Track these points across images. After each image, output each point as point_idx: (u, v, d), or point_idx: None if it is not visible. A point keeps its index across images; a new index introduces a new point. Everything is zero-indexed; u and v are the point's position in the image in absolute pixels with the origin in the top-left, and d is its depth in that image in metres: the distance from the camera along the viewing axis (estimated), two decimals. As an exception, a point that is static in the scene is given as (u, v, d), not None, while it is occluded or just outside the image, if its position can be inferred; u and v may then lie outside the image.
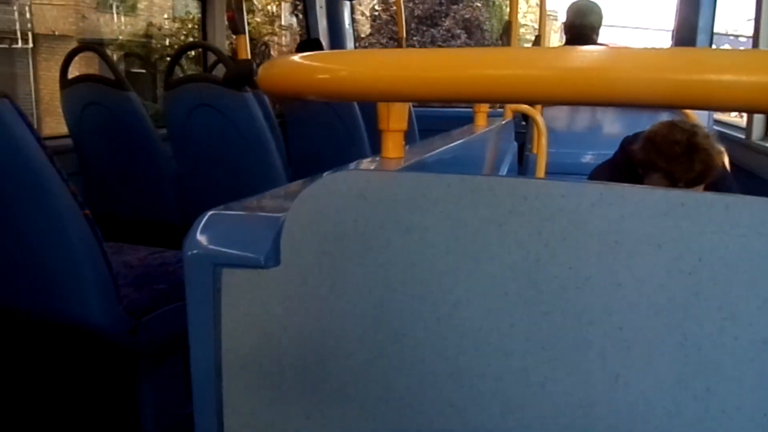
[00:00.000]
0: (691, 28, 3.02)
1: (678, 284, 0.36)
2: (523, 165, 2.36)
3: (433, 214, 0.41)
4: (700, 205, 0.36)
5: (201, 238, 0.51)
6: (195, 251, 0.50)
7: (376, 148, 2.72)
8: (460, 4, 13.19)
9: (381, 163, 0.86)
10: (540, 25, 2.19)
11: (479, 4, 13.55)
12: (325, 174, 0.44)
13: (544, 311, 0.39)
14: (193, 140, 1.86)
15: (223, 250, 0.49)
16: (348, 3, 3.92)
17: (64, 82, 1.94)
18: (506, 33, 2.00)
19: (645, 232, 0.37)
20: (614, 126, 2.73)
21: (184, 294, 1.51)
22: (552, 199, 0.38)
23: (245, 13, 1.72)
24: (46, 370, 1.61)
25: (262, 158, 1.82)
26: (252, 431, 0.48)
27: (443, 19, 12.97)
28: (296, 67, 0.45)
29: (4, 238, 1.21)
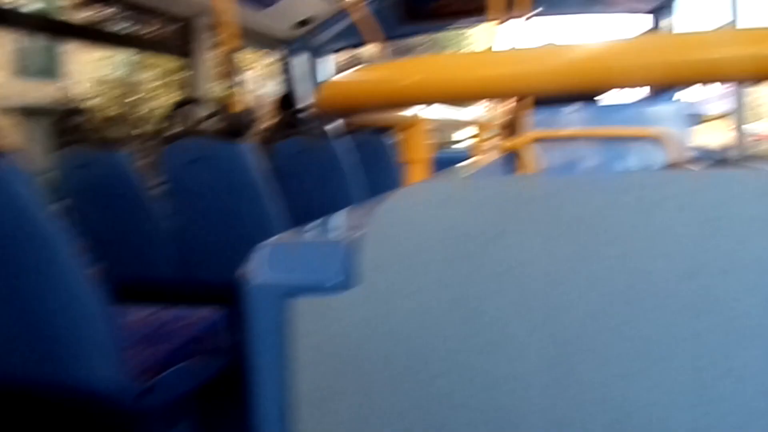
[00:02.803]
0: None
1: None
2: None
3: (526, 216, 0.39)
4: None
5: (262, 269, 0.48)
6: (256, 283, 0.48)
7: (374, 188, 2.70)
8: (410, 54, 13.53)
9: None
10: None
11: (431, 53, 13.96)
12: (404, 187, 0.42)
13: (652, 307, 0.38)
14: (190, 194, 1.84)
15: (291, 277, 0.46)
16: (328, 57, 4.01)
17: (60, 144, 1.92)
18: None
19: (749, 214, 0.36)
20: (594, 158, 2.83)
21: (191, 351, 1.45)
22: (650, 190, 0.37)
23: (237, 68, 1.74)
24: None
25: (259, 209, 1.80)
26: None
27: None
28: (369, 79, 0.44)
29: (2, 300, 1.15)
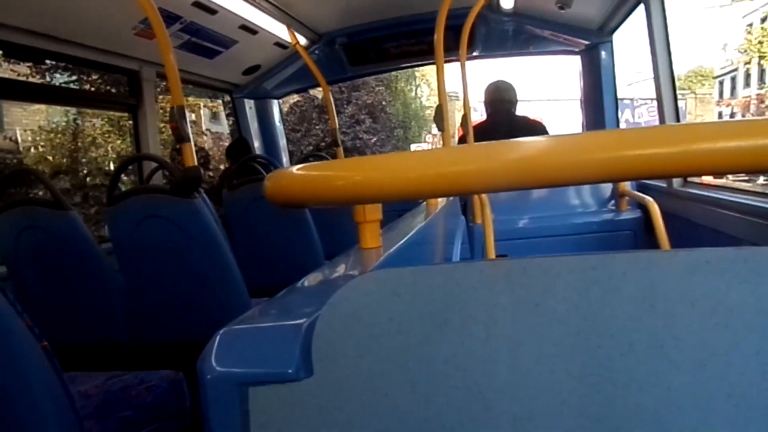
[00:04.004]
0: (596, 97, 3.35)
1: (716, 337, 0.38)
2: (470, 235, 2.44)
3: (469, 302, 0.42)
4: (723, 261, 0.39)
5: (219, 358, 0.49)
6: (215, 373, 0.48)
7: (326, 236, 2.70)
8: (362, 91, 13.73)
9: (362, 254, 0.86)
10: (464, 104, 2.41)
11: (381, 89, 14.21)
12: (354, 277, 0.44)
13: (592, 383, 0.40)
14: (141, 253, 1.80)
15: (248, 367, 0.47)
16: (276, 101, 4.05)
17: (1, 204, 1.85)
18: (438, 116, 2.13)
19: (677, 292, 0.39)
20: (542, 190, 2.93)
21: (152, 417, 1.40)
22: (584, 272, 0.40)
23: (188, 123, 1.74)
24: None
25: (217, 262, 1.78)
26: None
27: (345, 106, 13.43)
28: (310, 179, 0.47)
29: None
